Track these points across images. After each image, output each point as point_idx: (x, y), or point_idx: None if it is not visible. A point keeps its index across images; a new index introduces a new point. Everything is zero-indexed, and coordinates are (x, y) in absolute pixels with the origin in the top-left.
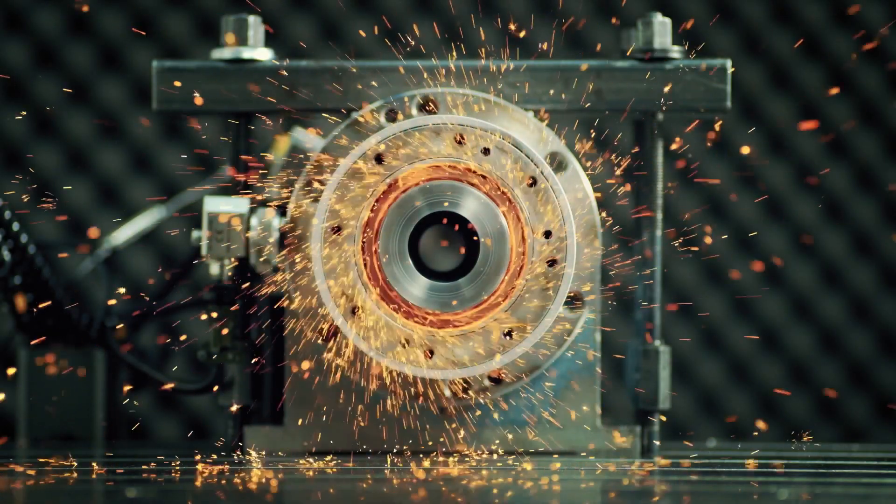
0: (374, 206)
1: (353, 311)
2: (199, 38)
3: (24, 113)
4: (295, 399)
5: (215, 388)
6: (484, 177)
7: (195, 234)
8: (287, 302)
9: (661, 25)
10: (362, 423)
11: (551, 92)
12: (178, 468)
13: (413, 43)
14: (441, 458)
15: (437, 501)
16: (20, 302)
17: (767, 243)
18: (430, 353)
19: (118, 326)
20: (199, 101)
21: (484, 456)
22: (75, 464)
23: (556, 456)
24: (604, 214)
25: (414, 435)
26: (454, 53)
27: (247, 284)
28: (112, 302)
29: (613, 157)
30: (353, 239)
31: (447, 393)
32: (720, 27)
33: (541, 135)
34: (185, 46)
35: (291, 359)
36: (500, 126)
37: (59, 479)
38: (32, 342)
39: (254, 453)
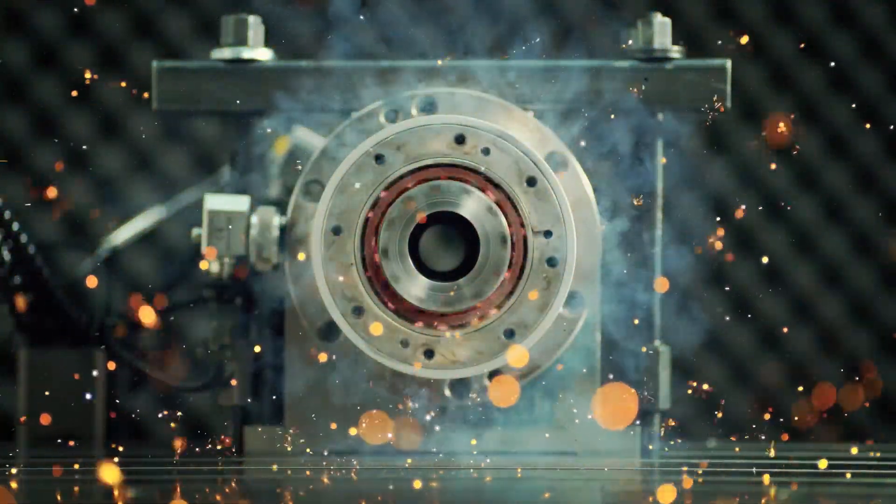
0: (374, 205)
1: (353, 310)
2: (199, 39)
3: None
4: (295, 399)
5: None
6: (484, 176)
7: (195, 231)
8: (287, 301)
9: (661, 25)
10: (362, 423)
11: (551, 91)
12: (177, 468)
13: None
14: (440, 459)
15: (436, 502)
16: (20, 302)
17: (767, 243)
18: (430, 353)
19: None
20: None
21: (483, 456)
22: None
23: (555, 456)
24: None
25: (413, 435)
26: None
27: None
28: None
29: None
30: (353, 239)
31: (447, 393)
32: (720, 27)
33: (540, 134)
34: (185, 46)
35: (291, 358)
36: (499, 126)
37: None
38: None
39: (253, 453)
